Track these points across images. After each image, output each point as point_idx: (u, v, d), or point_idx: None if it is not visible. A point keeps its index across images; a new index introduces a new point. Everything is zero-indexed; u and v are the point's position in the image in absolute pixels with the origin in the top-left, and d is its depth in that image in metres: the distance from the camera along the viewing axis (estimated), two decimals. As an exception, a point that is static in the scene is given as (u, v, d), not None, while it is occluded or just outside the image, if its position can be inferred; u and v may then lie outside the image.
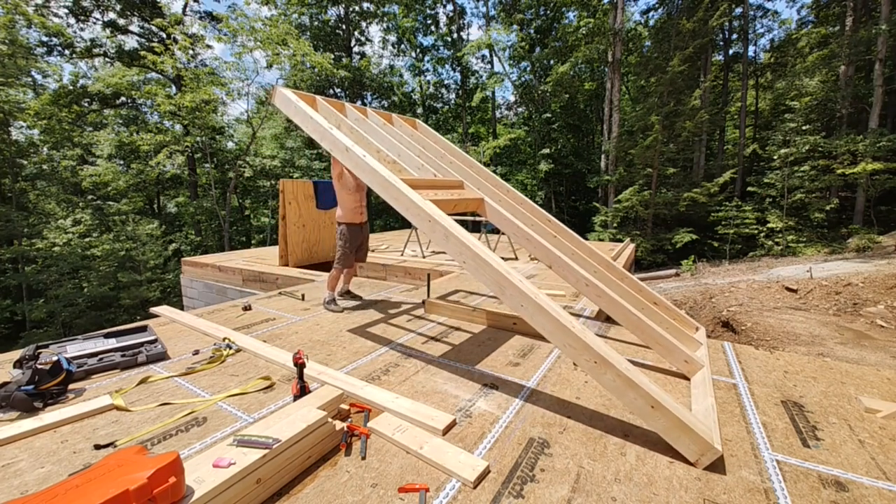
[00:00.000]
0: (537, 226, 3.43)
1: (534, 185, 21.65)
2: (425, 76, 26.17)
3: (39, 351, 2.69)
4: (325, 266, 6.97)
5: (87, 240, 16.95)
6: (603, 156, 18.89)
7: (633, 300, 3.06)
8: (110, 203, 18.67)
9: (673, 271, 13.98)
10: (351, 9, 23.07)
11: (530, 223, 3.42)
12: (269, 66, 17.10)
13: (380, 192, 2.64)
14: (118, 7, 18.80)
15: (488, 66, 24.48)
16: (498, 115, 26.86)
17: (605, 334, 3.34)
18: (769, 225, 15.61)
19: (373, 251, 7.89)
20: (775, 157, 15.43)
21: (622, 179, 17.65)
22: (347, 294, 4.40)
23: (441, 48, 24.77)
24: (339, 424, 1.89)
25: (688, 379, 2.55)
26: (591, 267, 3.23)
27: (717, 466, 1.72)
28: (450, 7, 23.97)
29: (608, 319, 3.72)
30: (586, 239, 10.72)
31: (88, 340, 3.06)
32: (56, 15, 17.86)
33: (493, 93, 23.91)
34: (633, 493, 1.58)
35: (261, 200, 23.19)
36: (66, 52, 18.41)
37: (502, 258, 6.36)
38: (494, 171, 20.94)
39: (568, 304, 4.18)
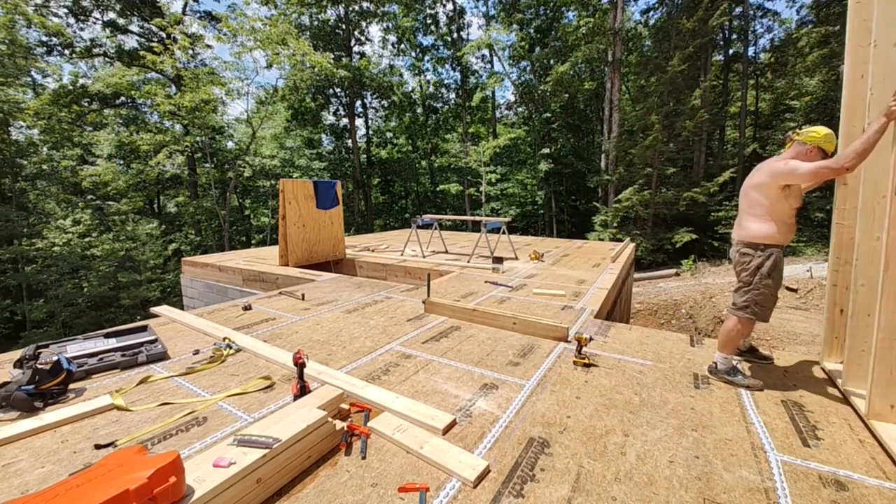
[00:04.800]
0: None
1: (534, 184, 21.63)
2: (425, 76, 26.20)
3: (39, 351, 2.69)
4: (324, 266, 6.97)
5: (86, 240, 16.95)
6: (603, 155, 18.88)
7: None
8: (110, 203, 18.66)
9: (673, 271, 13.98)
10: (351, 8, 23.06)
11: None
12: (269, 65, 17.12)
13: None
14: (118, 7, 18.78)
15: (488, 66, 24.50)
16: (498, 114, 26.86)
17: (606, 333, 3.34)
18: (769, 224, 15.57)
19: (372, 251, 7.89)
20: (775, 157, 15.40)
21: (622, 179, 17.63)
22: (751, 353, 2.71)
23: (441, 48, 24.78)
24: (339, 424, 1.89)
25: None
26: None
27: None
28: (450, 7, 23.95)
29: (608, 318, 3.71)
30: (586, 239, 10.71)
31: (88, 340, 3.06)
32: (56, 15, 17.83)
33: (493, 92, 23.91)
34: (634, 492, 1.58)
35: (261, 200, 23.22)
36: (66, 51, 18.39)
37: (502, 258, 6.36)
38: (494, 171, 20.93)
39: (568, 304, 4.18)
